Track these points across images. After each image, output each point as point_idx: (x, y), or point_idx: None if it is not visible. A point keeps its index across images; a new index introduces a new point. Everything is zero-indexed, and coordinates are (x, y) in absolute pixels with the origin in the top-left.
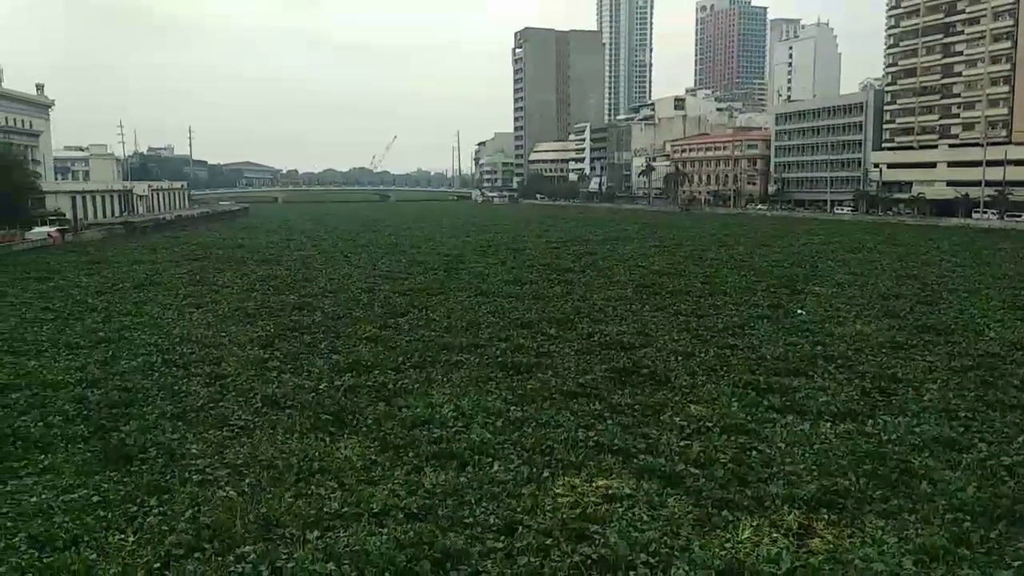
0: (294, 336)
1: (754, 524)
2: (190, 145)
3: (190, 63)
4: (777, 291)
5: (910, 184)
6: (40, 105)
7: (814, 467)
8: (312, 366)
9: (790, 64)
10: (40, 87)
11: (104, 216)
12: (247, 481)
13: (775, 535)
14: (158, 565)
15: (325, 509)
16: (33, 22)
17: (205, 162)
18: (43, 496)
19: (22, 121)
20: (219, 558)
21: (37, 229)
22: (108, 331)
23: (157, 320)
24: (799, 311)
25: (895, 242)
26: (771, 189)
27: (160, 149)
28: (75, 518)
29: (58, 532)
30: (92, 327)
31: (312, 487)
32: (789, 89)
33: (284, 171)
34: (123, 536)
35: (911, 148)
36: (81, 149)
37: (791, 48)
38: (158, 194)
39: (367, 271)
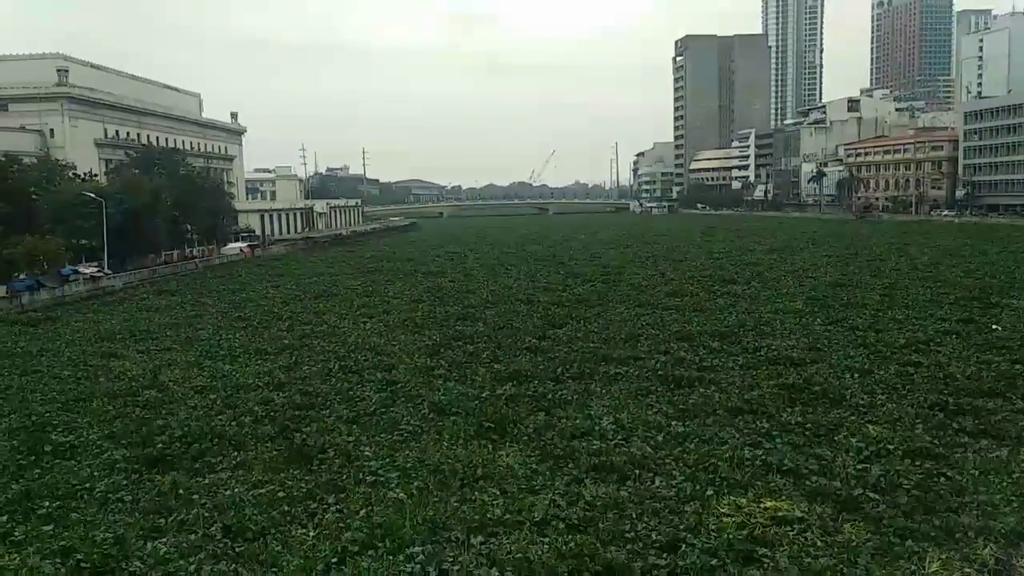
0: (458, 345)
1: (943, 557)
2: (364, 165)
3: (365, 88)
4: (967, 304)
5: None
6: (234, 132)
7: (1013, 498)
8: (475, 375)
9: (980, 58)
10: (234, 115)
11: (288, 232)
12: (416, 484)
13: (968, 570)
14: (335, 560)
15: (488, 515)
16: (230, 58)
17: (377, 180)
18: (236, 490)
19: (219, 147)
20: (390, 556)
21: (231, 245)
22: (291, 339)
23: (334, 329)
24: (995, 327)
25: None
26: (959, 193)
27: (337, 169)
28: (263, 511)
29: (248, 524)
30: (278, 335)
31: (476, 493)
32: (979, 85)
33: (449, 187)
34: (304, 531)
35: None
36: (268, 171)
37: (981, 41)
38: (335, 211)
39: (526, 283)
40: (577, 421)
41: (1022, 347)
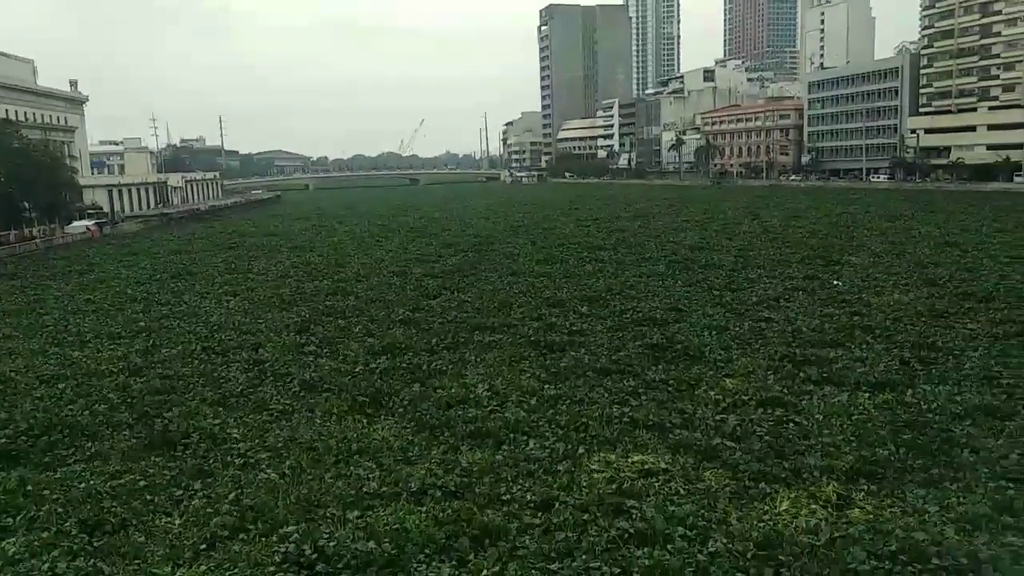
0: (329, 321)
1: (792, 496)
2: (221, 135)
3: (217, 55)
4: (812, 263)
5: (948, 149)
6: (74, 101)
7: (852, 438)
8: (348, 350)
9: (822, 31)
10: (74, 83)
11: (140, 208)
12: (287, 463)
13: (813, 506)
14: (204, 546)
15: (364, 489)
16: (64, 18)
17: (236, 152)
18: (92, 482)
19: (58, 117)
20: (263, 539)
21: (76, 223)
22: (148, 321)
23: (195, 309)
24: (836, 282)
25: (934, 209)
26: (805, 159)
27: (192, 140)
28: (123, 503)
29: (107, 516)
30: (133, 317)
31: (351, 468)
32: (822, 57)
33: (314, 158)
34: (170, 519)
35: (949, 112)
36: (115, 143)
37: (823, 14)
38: (192, 185)
39: (399, 255)
40: (452, 390)
41: (859, 300)
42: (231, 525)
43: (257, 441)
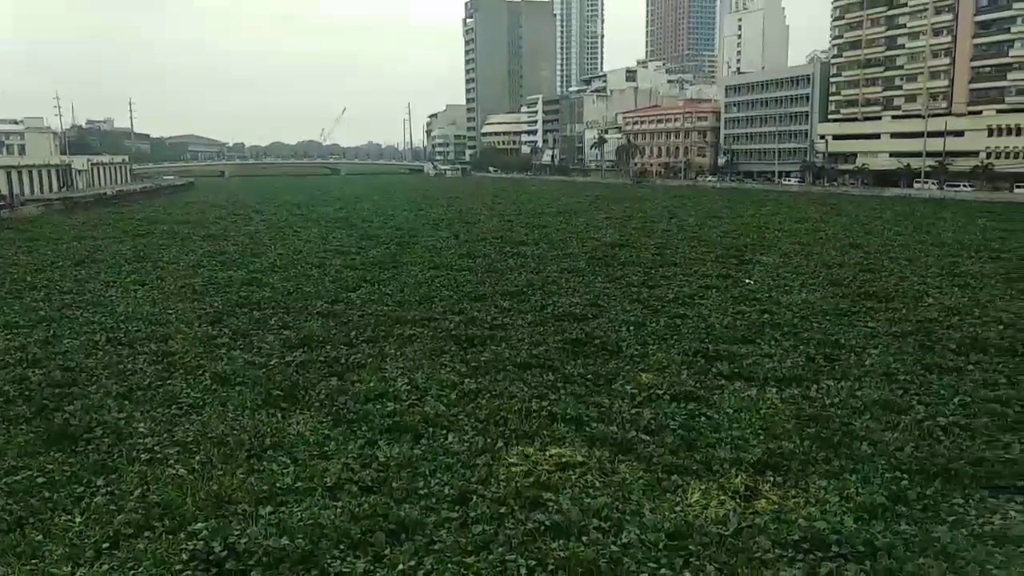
0: (243, 312)
1: (702, 487)
2: (131, 118)
3: (127, 35)
4: (726, 261)
5: (854, 155)
6: None
7: (760, 431)
8: (262, 342)
9: (739, 36)
10: None
11: (42, 192)
12: (197, 459)
13: (723, 497)
14: (107, 545)
15: (278, 484)
16: None
17: (147, 135)
18: None
19: None
20: (170, 536)
21: None
22: (48, 310)
23: (100, 298)
24: (747, 281)
25: (840, 212)
26: (721, 161)
27: (99, 122)
28: (19, 500)
29: (2, 515)
30: (31, 306)
31: (264, 463)
32: (738, 61)
33: (231, 144)
34: (69, 517)
35: (856, 120)
36: (15, 122)
37: (740, 20)
38: (98, 168)
39: (318, 246)
40: (371, 384)
41: (769, 299)
42: (136, 523)
43: (165, 436)
